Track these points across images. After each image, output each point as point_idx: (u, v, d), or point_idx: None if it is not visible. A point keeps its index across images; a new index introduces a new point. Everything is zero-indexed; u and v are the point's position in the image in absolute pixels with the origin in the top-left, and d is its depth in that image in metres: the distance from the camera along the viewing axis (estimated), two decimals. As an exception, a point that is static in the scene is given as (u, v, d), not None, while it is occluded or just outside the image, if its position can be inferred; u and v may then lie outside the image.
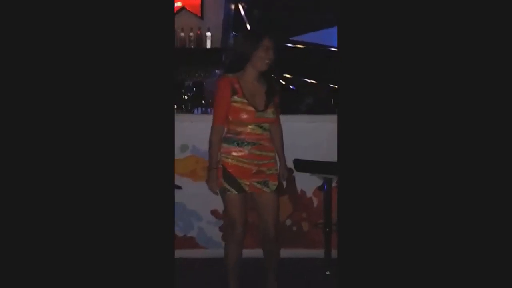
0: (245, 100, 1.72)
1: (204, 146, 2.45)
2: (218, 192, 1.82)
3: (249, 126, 1.75)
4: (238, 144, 1.75)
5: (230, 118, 1.76)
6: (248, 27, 4.06)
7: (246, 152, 1.75)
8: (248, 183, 1.77)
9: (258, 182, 1.78)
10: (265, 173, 1.78)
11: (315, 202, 2.48)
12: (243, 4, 3.99)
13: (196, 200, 2.43)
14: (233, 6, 4.01)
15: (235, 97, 1.72)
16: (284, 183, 2.13)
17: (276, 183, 1.82)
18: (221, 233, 2.47)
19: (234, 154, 1.76)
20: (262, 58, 1.70)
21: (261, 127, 1.76)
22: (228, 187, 1.77)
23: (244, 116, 1.72)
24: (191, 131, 2.41)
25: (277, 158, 1.88)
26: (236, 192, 1.76)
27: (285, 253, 2.02)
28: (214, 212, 2.47)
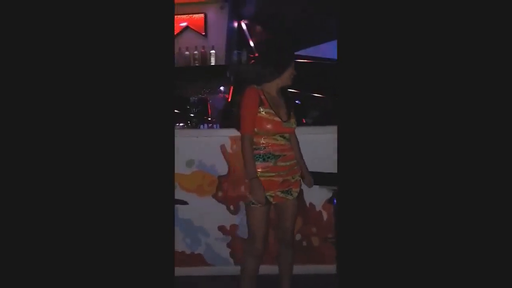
0: (271, 111, 1.75)
1: (209, 161, 2.46)
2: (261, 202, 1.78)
3: (274, 137, 1.78)
4: (264, 160, 1.76)
5: (256, 129, 1.76)
6: (251, 43, 4.11)
7: (271, 165, 1.77)
8: (273, 195, 1.79)
9: (282, 192, 1.80)
10: (290, 181, 1.82)
11: (325, 215, 2.43)
12: (245, 21, 4.06)
13: (203, 216, 2.40)
14: (236, 24, 4.08)
15: (261, 108, 1.75)
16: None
17: (298, 189, 1.86)
18: (229, 250, 2.42)
19: (261, 170, 1.76)
20: (292, 75, 1.81)
21: (283, 137, 1.81)
22: (253, 200, 1.76)
23: (270, 126, 1.75)
24: (197, 146, 2.40)
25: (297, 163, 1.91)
26: (260, 205, 1.76)
27: (296, 269, 1.96)
28: (221, 228, 2.43)
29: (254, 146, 1.77)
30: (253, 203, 1.77)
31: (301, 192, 1.93)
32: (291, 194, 1.82)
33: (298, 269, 2.11)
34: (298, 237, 2.42)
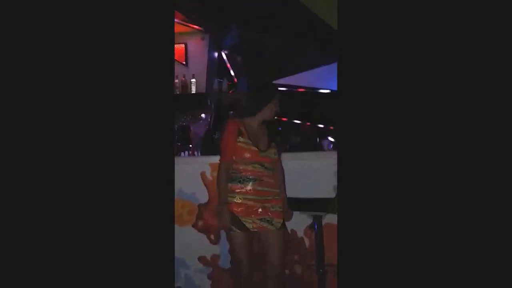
0: (249, 141, 1.86)
1: (189, 189, 2.42)
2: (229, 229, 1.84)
3: (252, 165, 1.85)
4: (240, 182, 1.85)
5: (234, 157, 1.87)
6: (232, 72, 4.19)
7: (249, 188, 1.83)
8: (251, 221, 1.81)
9: (261, 220, 1.81)
10: (269, 210, 1.84)
11: (307, 242, 2.39)
12: (225, 51, 4.16)
13: (182, 247, 2.33)
14: (216, 54, 4.17)
15: (240, 138, 1.86)
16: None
17: (281, 220, 1.88)
18: (210, 281, 2.34)
19: (237, 191, 1.84)
20: (273, 110, 1.91)
21: (262, 165, 1.87)
22: (232, 227, 1.82)
23: (248, 155, 1.85)
24: (178, 174, 2.36)
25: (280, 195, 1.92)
26: (238, 231, 1.80)
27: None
28: (202, 259, 2.35)
29: (232, 172, 1.88)
30: (232, 230, 1.80)
31: (284, 224, 1.92)
32: (272, 224, 1.84)
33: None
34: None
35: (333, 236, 2.39)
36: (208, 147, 2.99)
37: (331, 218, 2.33)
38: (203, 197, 2.36)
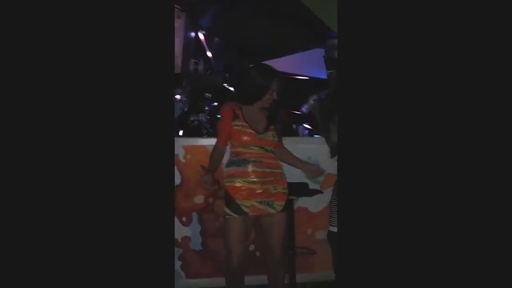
0: (245, 124, 1.79)
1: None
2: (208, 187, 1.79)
3: (250, 147, 1.80)
4: (238, 165, 1.79)
5: (232, 141, 1.83)
6: (209, 54, 4.10)
7: (248, 170, 1.77)
8: (249, 205, 1.74)
9: (261, 202, 1.75)
10: (270, 191, 1.77)
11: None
12: (203, 32, 4.05)
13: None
14: (193, 34, 4.06)
15: (236, 122, 1.80)
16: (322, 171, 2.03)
17: (283, 202, 1.80)
18: (180, 263, 2.33)
19: (237, 175, 1.78)
20: (270, 99, 1.81)
21: (262, 147, 1.81)
22: (228, 212, 1.77)
23: (245, 138, 1.78)
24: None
25: (285, 176, 1.87)
26: (235, 215, 1.74)
27: (248, 280, 1.92)
28: (173, 241, 2.34)
29: (231, 155, 1.84)
30: (228, 214, 1.75)
31: (289, 205, 1.88)
32: (273, 207, 1.77)
33: (252, 280, 2.09)
34: (251, 247, 2.39)
35: (304, 219, 2.44)
36: (182, 129, 2.94)
37: (302, 202, 2.37)
38: (176, 180, 2.32)
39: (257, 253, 2.41)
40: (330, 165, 2.04)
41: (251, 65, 1.93)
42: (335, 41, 3.42)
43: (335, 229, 1.92)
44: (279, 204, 1.78)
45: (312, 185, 2.27)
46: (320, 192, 2.14)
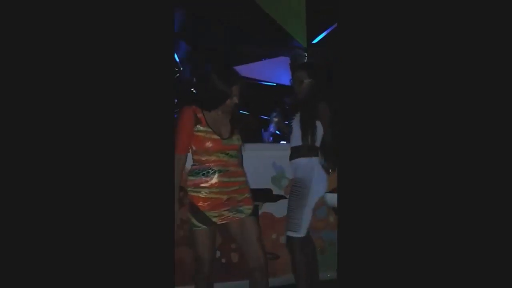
0: (209, 129, 1.69)
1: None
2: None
3: (215, 154, 1.71)
4: (204, 175, 1.70)
5: (194, 148, 1.72)
6: (176, 58, 4.07)
7: (214, 181, 1.69)
8: (217, 214, 1.69)
9: (229, 211, 1.70)
10: (236, 199, 1.72)
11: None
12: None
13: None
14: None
15: (199, 127, 1.69)
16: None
17: (251, 206, 1.74)
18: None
19: (202, 185, 1.69)
20: (232, 103, 1.71)
21: (227, 153, 1.72)
22: (195, 222, 1.69)
23: (209, 145, 1.68)
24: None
25: (248, 184, 1.80)
26: (204, 227, 1.68)
27: (215, 286, 1.93)
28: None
29: (193, 164, 1.74)
30: (195, 226, 1.68)
31: (255, 210, 1.79)
32: (242, 212, 1.71)
33: (218, 286, 2.09)
34: (217, 254, 2.40)
35: (268, 224, 2.48)
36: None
37: (267, 207, 2.41)
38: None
39: (223, 260, 2.42)
40: (289, 171, 2.10)
41: (210, 68, 1.82)
42: (301, 51, 3.52)
43: (293, 234, 1.99)
44: (247, 208, 1.73)
45: (276, 191, 2.32)
46: (283, 197, 2.20)
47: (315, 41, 3.87)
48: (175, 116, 1.79)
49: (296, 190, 2.01)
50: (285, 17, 3.19)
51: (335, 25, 3.92)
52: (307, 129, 2.00)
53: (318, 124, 2.01)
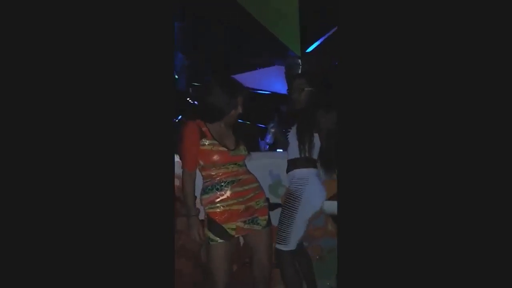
0: (215, 142, 1.69)
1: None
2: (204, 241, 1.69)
3: (224, 167, 1.70)
4: (217, 189, 1.69)
5: (201, 163, 1.70)
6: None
7: (229, 193, 1.69)
8: (234, 226, 1.68)
9: (246, 222, 1.70)
10: (253, 207, 1.72)
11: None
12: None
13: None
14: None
15: (204, 140, 1.68)
16: None
17: (266, 217, 1.76)
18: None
19: (217, 200, 1.69)
20: (236, 113, 1.74)
21: (235, 163, 1.73)
22: (212, 236, 1.67)
23: (216, 157, 1.68)
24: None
25: (262, 188, 1.83)
26: (221, 241, 1.66)
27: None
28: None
29: (205, 180, 1.73)
30: (212, 240, 1.65)
31: (270, 220, 1.80)
32: (258, 223, 1.72)
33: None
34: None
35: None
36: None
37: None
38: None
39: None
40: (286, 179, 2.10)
41: (212, 80, 1.80)
42: (296, 59, 3.56)
43: (280, 247, 1.95)
44: (263, 219, 1.74)
45: (273, 199, 2.32)
46: (280, 206, 2.19)
47: (309, 49, 3.92)
48: (175, 125, 1.80)
49: (287, 203, 1.98)
50: (278, 26, 3.23)
51: (328, 34, 3.97)
52: (305, 139, 1.98)
53: (316, 135, 1.99)
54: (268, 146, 3.00)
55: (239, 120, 1.94)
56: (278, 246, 1.97)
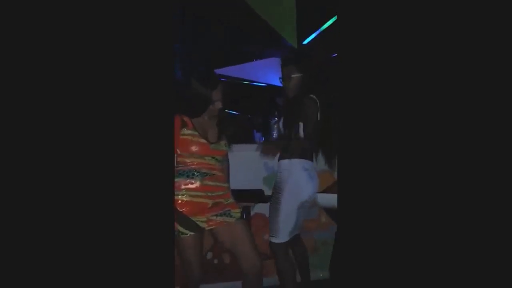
0: (196, 133, 1.65)
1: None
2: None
3: (201, 158, 1.66)
4: (187, 176, 1.64)
5: (178, 151, 1.65)
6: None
7: (198, 184, 1.63)
8: (204, 219, 1.62)
9: (217, 215, 1.64)
10: (223, 203, 1.67)
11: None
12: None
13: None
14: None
15: (184, 130, 1.64)
16: None
17: (239, 210, 1.69)
18: None
19: (184, 187, 1.63)
20: (216, 108, 1.67)
21: (213, 157, 1.68)
22: (182, 229, 1.60)
23: (195, 148, 1.63)
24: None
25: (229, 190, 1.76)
26: (191, 233, 1.60)
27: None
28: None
29: (177, 165, 1.66)
30: (182, 233, 1.59)
31: (243, 214, 1.73)
32: (231, 215, 1.66)
33: (209, 287, 2.08)
34: (209, 255, 2.39)
35: (260, 224, 2.48)
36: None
37: (259, 208, 2.41)
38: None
39: (215, 261, 2.41)
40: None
41: (190, 74, 1.75)
42: (292, 51, 3.53)
43: (272, 239, 1.93)
44: (236, 212, 1.68)
45: (268, 191, 2.32)
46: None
47: (305, 41, 3.89)
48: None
49: (272, 194, 1.97)
50: (275, 17, 3.20)
51: (325, 26, 3.94)
52: (289, 128, 1.93)
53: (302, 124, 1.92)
54: (263, 138, 3.00)
55: (233, 112, 1.91)
56: (270, 238, 1.96)
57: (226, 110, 1.78)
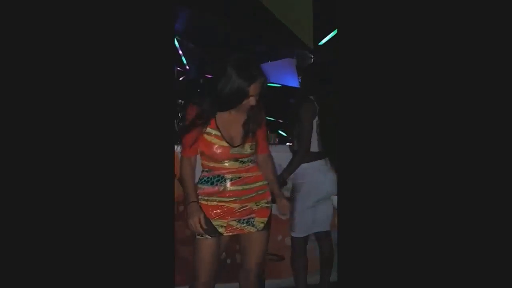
0: (218, 133, 1.51)
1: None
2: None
3: (222, 162, 1.54)
4: (212, 183, 1.55)
5: (201, 150, 1.55)
6: (184, 60, 4.07)
7: (225, 191, 1.54)
8: (224, 224, 1.54)
9: (239, 221, 1.55)
10: (251, 208, 1.57)
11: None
12: (177, 37, 4.03)
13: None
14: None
15: (208, 128, 1.51)
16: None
17: (265, 219, 1.58)
18: None
19: (212, 194, 1.56)
20: (249, 104, 1.48)
21: (237, 160, 1.55)
22: (200, 231, 1.54)
23: (218, 151, 1.51)
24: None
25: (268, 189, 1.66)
26: (207, 236, 1.52)
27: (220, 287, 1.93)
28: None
29: (203, 169, 1.59)
30: (200, 235, 1.51)
31: (268, 224, 1.61)
32: (253, 225, 1.56)
33: (222, 287, 2.09)
34: (222, 255, 2.39)
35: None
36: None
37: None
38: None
39: (228, 261, 2.42)
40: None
41: (227, 60, 1.48)
42: (305, 52, 3.52)
43: (292, 234, 2.08)
44: (260, 221, 1.57)
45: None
46: (289, 199, 2.20)
47: (322, 42, 3.87)
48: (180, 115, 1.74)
49: (290, 194, 2.09)
50: (291, 18, 3.19)
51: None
52: (293, 130, 2.04)
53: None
54: (277, 139, 2.99)
55: (269, 118, 1.82)
56: (290, 232, 2.10)
57: (259, 109, 1.57)
